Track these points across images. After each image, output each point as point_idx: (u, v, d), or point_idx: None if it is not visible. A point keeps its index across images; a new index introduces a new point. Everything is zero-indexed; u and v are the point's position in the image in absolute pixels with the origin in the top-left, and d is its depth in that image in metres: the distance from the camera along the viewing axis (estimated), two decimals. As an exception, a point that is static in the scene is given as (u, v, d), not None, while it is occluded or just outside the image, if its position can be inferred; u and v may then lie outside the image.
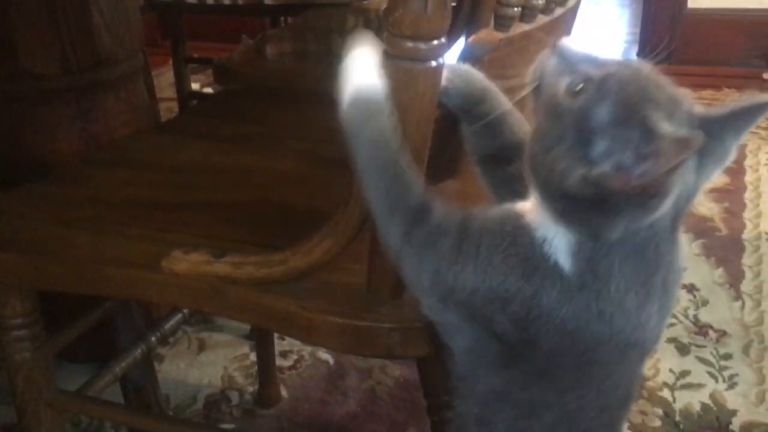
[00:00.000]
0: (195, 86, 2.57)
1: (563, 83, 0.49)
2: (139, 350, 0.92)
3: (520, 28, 0.57)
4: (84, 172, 0.83)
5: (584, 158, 0.46)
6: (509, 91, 0.56)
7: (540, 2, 0.58)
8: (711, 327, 1.44)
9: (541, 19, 0.60)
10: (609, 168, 0.45)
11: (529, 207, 0.52)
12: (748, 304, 1.50)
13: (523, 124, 0.58)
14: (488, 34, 0.55)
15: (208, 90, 2.52)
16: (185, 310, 1.01)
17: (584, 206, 0.47)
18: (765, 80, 2.87)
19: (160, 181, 0.80)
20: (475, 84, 0.54)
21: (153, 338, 0.94)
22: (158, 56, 2.64)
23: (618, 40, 3.79)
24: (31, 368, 0.76)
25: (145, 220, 0.71)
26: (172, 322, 0.98)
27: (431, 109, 0.51)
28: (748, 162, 2.16)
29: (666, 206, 0.46)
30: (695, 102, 0.50)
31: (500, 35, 0.55)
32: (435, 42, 0.48)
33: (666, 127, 0.44)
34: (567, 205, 0.47)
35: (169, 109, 2.66)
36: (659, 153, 0.43)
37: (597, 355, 0.51)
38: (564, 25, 0.70)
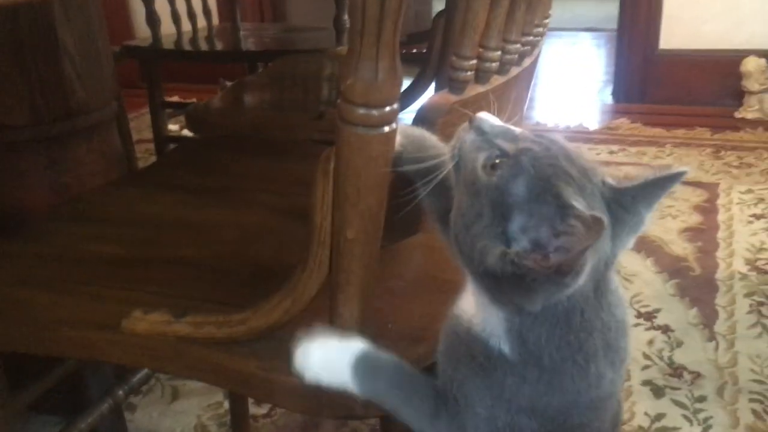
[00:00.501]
0: (174, 128, 2.58)
1: (480, 158, 0.50)
2: (107, 404, 0.91)
3: (475, 90, 0.58)
4: (49, 228, 0.83)
5: (502, 234, 0.47)
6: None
7: (494, 65, 0.59)
8: (685, 368, 1.44)
9: (497, 80, 0.62)
10: (526, 243, 0.46)
11: (469, 298, 0.54)
12: (722, 344, 1.51)
13: None
14: (442, 97, 0.56)
15: (187, 133, 2.53)
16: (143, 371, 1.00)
17: (505, 283, 0.47)
18: (737, 119, 2.93)
19: (125, 236, 0.80)
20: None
21: (121, 392, 0.92)
22: (138, 98, 2.66)
23: (593, 80, 3.86)
24: (-8, 428, 0.75)
25: (107, 278, 0.71)
26: (141, 375, 0.97)
27: (385, 172, 0.52)
28: (720, 201, 2.19)
29: (581, 280, 0.47)
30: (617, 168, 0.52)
31: (454, 98, 0.56)
32: (386, 109, 0.49)
33: (578, 203, 0.45)
34: (490, 282, 0.48)
35: (148, 150, 2.67)
36: (572, 232, 0.44)
37: (572, 419, 0.53)
38: (522, 82, 0.72)
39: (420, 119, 0.54)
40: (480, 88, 0.59)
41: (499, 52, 0.59)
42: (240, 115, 1.32)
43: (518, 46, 0.63)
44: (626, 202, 0.50)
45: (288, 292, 0.58)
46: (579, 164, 0.49)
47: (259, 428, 1.33)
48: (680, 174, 0.51)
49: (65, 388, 1.15)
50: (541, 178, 0.47)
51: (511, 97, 0.68)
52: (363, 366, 0.55)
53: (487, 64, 0.58)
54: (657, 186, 0.51)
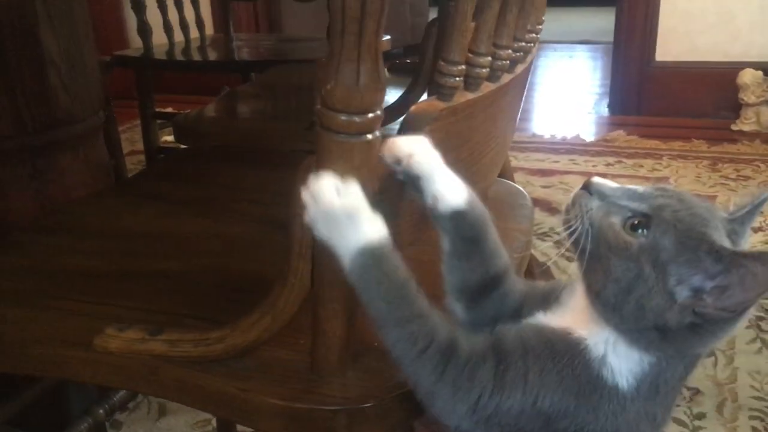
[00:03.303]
0: (170, 139, 2.56)
1: (617, 222, 0.51)
2: (86, 423, 0.88)
3: (464, 97, 0.56)
4: (25, 240, 0.80)
5: (666, 291, 0.49)
6: (455, 162, 0.54)
7: (484, 71, 0.56)
8: (685, 386, 1.41)
9: (487, 87, 0.59)
10: (687, 293, 0.49)
11: (569, 321, 0.54)
12: (721, 360, 1.48)
13: (500, 247, 0.59)
14: (430, 104, 0.53)
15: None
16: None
17: (676, 333, 0.50)
18: (734, 131, 2.91)
19: (104, 248, 0.77)
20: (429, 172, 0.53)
21: (101, 411, 0.89)
22: (133, 109, 2.64)
23: (589, 92, 3.85)
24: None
25: (82, 292, 0.68)
26: (124, 392, 0.94)
27: (369, 182, 0.49)
28: (718, 214, 2.17)
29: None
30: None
31: (443, 105, 0.53)
32: (369, 115, 0.46)
33: (726, 245, 0.49)
34: (655, 334, 0.50)
35: (141, 162, 2.64)
36: (753, 274, 0.47)
37: None
38: (514, 90, 0.69)
39: (407, 126, 0.52)
40: (470, 95, 0.57)
41: (489, 58, 0.57)
42: (231, 124, 1.30)
43: (510, 51, 0.61)
44: (737, 229, 0.53)
45: (267, 309, 0.56)
46: (704, 207, 0.52)
47: (248, 446, 1.29)
48: None
49: (47, 404, 1.11)
50: (687, 229, 0.50)
51: (503, 105, 0.65)
52: (370, 257, 0.50)
53: (477, 70, 0.56)
54: (758, 207, 0.55)
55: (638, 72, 3.18)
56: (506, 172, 1.54)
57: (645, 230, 0.50)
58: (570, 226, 0.53)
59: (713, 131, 2.92)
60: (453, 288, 0.59)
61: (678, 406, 1.34)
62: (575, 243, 0.53)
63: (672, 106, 3.14)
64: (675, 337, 0.50)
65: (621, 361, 0.52)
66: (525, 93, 0.79)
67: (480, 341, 0.53)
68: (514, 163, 2.65)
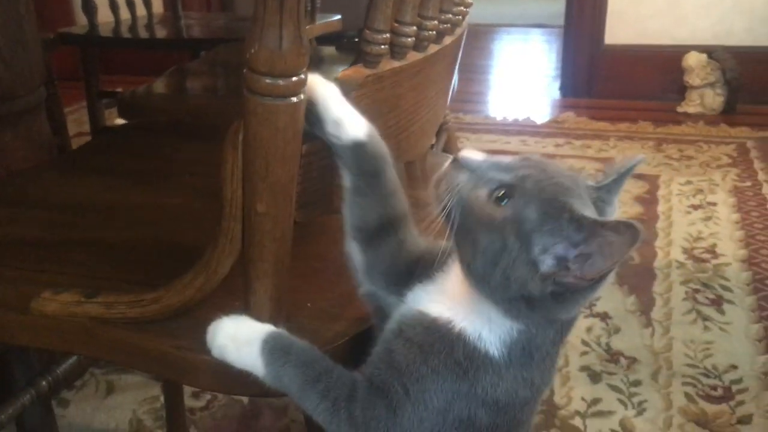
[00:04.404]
0: (120, 122, 2.53)
1: (482, 194, 0.52)
2: (29, 395, 0.88)
3: (390, 65, 0.58)
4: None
5: (530, 260, 0.50)
6: (384, 129, 0.57)
7: (409, 40, 0.59)
8: (622, 354, 1.47)
9: (414, 56, 0.61)
10: (551, 261, 0.50)
11: (447, 303, 0.55)
12: (658, 330, 1.54)
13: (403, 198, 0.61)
14: (356, 70, 0.55)
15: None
16: (72, 359, 0.97)
17: (542, 301, 0.51)
18: (679, 113, 3.00)
19: (42, 219, 0.77)
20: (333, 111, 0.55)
21: (44, 382, 0.90)
22: (79, 90, 2.60)
23: (542, 75, 3.91)
24: None
25: (20, 260, 0.69)
26: (68, 364, 0.94)
27: (294, 144, 0.51)
28: (660, 192, 2.24)
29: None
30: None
31: (368, 71, 0.55)
32: (293, 78, 0.48)
33: (588, 213, 0.50)
34: (522, 303, 0.51)
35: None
36: (609, 243, 0.48)
37: (522, 416, 0.56)
38: (444, 61, 0.72)
39: (332, 92, 0.54)
40: (396, 63, 0.59)
41: (414, 28, 0.59)
42: (177, 100, 1.30)
43: (436, 23, 0.63)
44: (604, 197, 0.54)
45: (201, 269, 0.57)
46: (568, 176, 0.53)
47: (197, 421, 1.31)
48: (640, 161, 0.57)
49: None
50: (549, 199, 0.50)
51: (432, 76, 0.68)
52: (273, 345, 0.55)
53: (402, 39, 0.58)
54: (625, 175, 0.56)
55: (588, 55, 3.24)
56: (453, 150, 1.57)
57: (509, 201, 0.51)
58: (441, 201, 0.53)
59: (659, 113, 3.00)
60: (351, 226, 0.60)
61: (615, 374, 1.40)
62: (446, 217, 0.53)
63: (621, 88, 3.21)
64: (540, 305, 0.51)
65: (494, 333, 0.53)
66: (456, 66, 0.81)
67: (379, 368, 0.55)
68: (466, 144, 2.69)
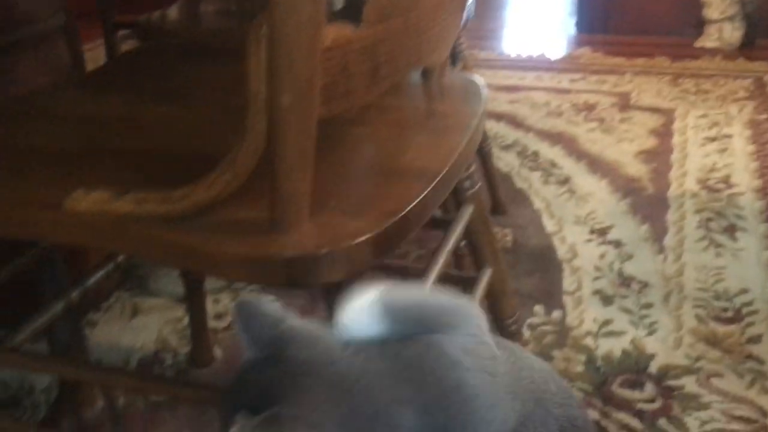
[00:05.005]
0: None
1: None
2: (59, 308, 0.92)
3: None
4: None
5: None
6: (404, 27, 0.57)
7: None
8: (634, 279, 1.49)
9: None
10: None
11: None
12: (670, 257, 1.56)
13: None
14: None
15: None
16: (113, 263, 1.00)
17: None
18: (696, 48, 2.95)
19: (69, 131, 0.80)
20: None
21: (74, 295, 0.93)
22: (96, 29, 2.60)
23: (558, 11, 3.84)
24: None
25: (49, 166, 0.71)
26: (97, 277, 0.98)
27: (318, 36, 0.52)
28: (676, 125, 2.23)
29: None
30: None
31: None
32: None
33: None
34: None
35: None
36: None
37: None
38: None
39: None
40: None
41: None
42: (192, 24, 1.30)
43: None
44: None
45: (227, 166, 0.59)
46: None
47: (219, 341, 1.35)
48: None
49: (16, 299, 1.15)
50: None
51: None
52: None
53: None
54: None
55: (605, -11, 3.18)
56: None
57: None
58: None
59: (677, 48, 2.96)
60: None
61: (627, 297, 1.43)
62: None
63: (638, 24, 3.16)
64: None
65: None
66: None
67: None
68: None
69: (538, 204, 1.81)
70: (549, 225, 1.71)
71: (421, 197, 0.66)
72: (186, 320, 1.41)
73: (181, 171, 0.71)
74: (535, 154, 2.09)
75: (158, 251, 0.62)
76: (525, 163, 2.03)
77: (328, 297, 0.63)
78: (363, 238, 0.60)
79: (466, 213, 0.96)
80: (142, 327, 1.40)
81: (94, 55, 2.95)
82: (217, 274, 0.61)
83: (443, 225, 1.04)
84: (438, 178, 0.70)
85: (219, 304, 1.44)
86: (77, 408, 1.06)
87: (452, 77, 0.98)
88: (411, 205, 0.65)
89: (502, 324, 1.08)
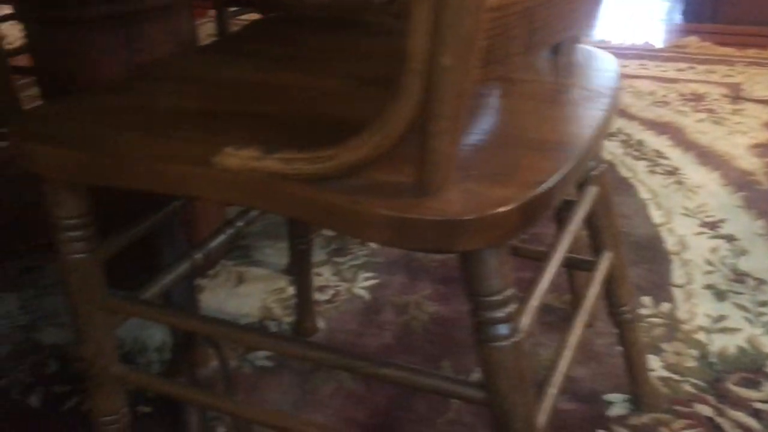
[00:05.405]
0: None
1: None
2: (186, 265, 0.95)
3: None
4: (127, 85, 0.85)
5: None
6: None
7: None
8: (749, 275, 1.43)
9: None
10: None
11: None
12: (789, 253, 1.48)
13: None
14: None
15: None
16: (227, 233, 1.03)
17: None
18: (814, 40, 2.79)
19: (206, 93, 0.81)
20: None
21: (199, 255, 0.96)
22: (199, 9, 2.68)
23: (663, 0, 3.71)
24: (85, 269, 0.79)
25: (193, 125, 0.73)
26: (215, 243, 1.00)
27: (486, -5, 0.51)
28: (793, 119, 2.12)
29: None
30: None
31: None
32: None
33: None
34: None
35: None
36: None
37: None
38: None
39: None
40: None
41: None
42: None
43: None
44: None
45: (378, 127, 0.59)
46: None
47: (322, 312, 1.37)
48: None
49: (136, 262, 1.19)
50: None
51: None
52: None
53: None
54: None
55: (716, -24, 3.04)
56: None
57: None
58: None
59: (792, 39, 2.80)
60: None
61: (741, 294, 1.36)
62: None
63: (748, 13, 3.01)
64: None
65: None
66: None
67: None
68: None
69: (644, 194, 1.75)
70: (656, 215, 1.65)
71: (565, 169, 0.65)
72: (289, 291, 1.44)
73: (322, 135, 0.72)
74: (640, 143, 2.02)
75: (304, 210, 0.63)
76: (629, 152, 1.97)
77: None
78: (509, 207, 0.59)
79: (590, 194, 0.93)
80: (246, 295, 1.44)
81: (203, 30, 3.05)
82: (361, 236, 0.61)
83: (563, 206, 1.02)
84: (580, 151, 0.69)
85: (322, 277, 1.47)
86: (192, 366, 1.09)
87: (581, 52, 0.95)
88: (556, 177, 0.63)
89: (616, 311, 1.05)
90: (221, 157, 0.64)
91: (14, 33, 2.98)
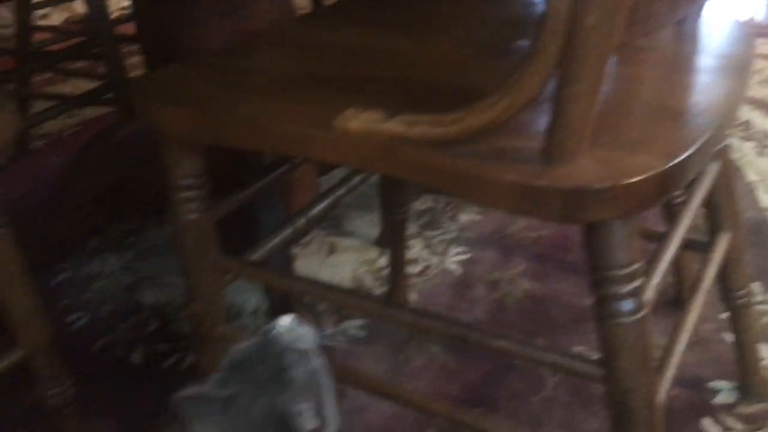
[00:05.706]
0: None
1: None
2: (290, 230, 0.95)
3: None
4: (241, 51, 0.85)
5: None
6: None
7: None
8: None
9: None
10: None
11: None
12: None
13: None
14: None
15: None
16: (322, 204, 1.03)
17: None
18: None
19: (320, 59, 0.81)
20: None
21: (302, 221, 0.96)
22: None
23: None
24: (199, 229, 0.80)
25: (311, 89, 0.72)
26: (316, 210, 1.00)
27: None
28: None
29: None
30: None
31: None
32: None
33: None
34: None
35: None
36: None
37: None
38: None
39: None
40: None
41: None
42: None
43: None
44: None
45: (509, 89, 0.57)
46: None
47: (413, 285, 1.36)
48: None
49: (235, 231, 1.21)
50: None
51: None
52: None
53: None
54: None
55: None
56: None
57: None
58: None
59: None
60: None
61: None
62: None
63: None
64: None
65: None
66: None
67: None
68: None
69: (752, 176, 1.66)
70: (764, 199, 1.57)
71: (704, 139, 0.61)
72: (380, 262, 1.44)
73: (440, 101, 0.70)
74: (747, 123, 1.92)
75: (426, 175, 0.62)
76: (735, 132, 1.87)
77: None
78: (647, 175, 0.56)
79: (712, 169, 0.88)
80: (338, 264, 1.44)
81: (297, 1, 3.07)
82: (485, 203, 0.60)
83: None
84: (718, 121, 0.65)
85: (411, 251, 1.46)
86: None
87: (709, 20, 0.90)
88: (696, 145, 0.60)
89: (731, 296, 1.00)
90: (342, 120, 0.64)
91: (118, 2, 3.06)
